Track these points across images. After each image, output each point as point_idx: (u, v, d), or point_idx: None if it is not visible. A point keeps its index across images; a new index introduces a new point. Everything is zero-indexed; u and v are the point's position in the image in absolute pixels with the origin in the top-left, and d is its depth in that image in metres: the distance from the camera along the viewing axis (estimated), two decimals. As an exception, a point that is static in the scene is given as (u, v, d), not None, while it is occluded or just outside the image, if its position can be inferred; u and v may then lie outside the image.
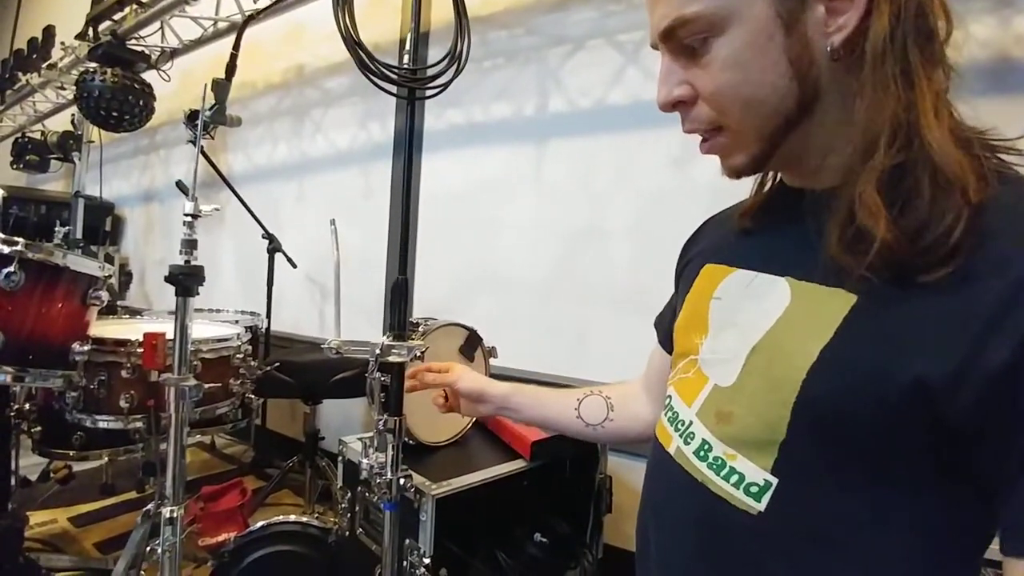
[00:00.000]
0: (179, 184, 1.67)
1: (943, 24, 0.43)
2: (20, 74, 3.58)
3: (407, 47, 0.98)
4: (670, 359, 0.66)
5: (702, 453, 0.50)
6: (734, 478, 0.47)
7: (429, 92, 0.97)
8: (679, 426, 0.54)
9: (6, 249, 1.03)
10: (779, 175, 0.56)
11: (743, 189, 0.62)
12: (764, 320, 0.48)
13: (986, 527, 0.41)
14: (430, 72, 0.96)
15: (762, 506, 0.45)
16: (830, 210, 0.44)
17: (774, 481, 0.44)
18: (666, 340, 0.72)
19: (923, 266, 0.38)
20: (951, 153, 0.39)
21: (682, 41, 0.46)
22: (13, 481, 1.47)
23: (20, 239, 1.04)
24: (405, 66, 0.93)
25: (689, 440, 0.52)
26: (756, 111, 0.46)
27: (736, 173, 0.51)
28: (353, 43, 0.90)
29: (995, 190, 0.39)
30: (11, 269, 1.02)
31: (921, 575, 0.42)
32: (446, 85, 0.96)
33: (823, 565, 0.43)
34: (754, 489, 0.45)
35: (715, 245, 0.62)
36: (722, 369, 0.51)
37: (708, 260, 0.60)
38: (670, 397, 0.58)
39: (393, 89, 0.96)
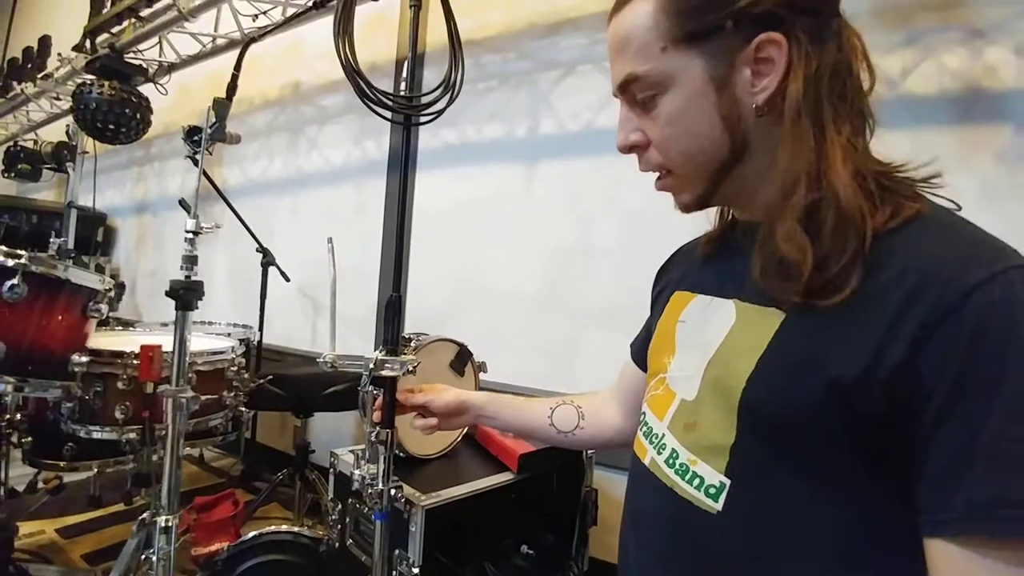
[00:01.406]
0: (182, 202, 1.71)
1: (867, 76, 0.51)
2: (15, 83, 3.60)
3: (404, 74, 1.03)
4: (640, 374, 0.73)
5: (670, 461, 0.56)
6: (696, 481, 0.52)
7: (424, 118, 1.02)
8: (653, 439, 0.59)
9: (10, 262, 1.06)
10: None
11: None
12: (716, 338, 0.54)
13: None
14: (425, 99, 1.01)
15: (719, 506, 0.50)
16: (755, 241, 0.51)
17: (727, 482, 0.50)
18: (637, 355, 0.79)
19: (831, 289, 0.45)
20: (852, 195, 0.45)
21: (635, 95, 0.54)
22: (2, 491, 1.47)
23: (24, 252, 1.07)
24: (401, 93, 0.98)
25: (661, 451, 0.57)
26: (695, 159, 0.54)
27: (685, 208, 0.59)
28: (353, 72, 0.95)
29: (902, 219, 0.45)
30: (14, 281, 1.05)
31: (864, 566, 0.45)
32: (440, 112, 1.01)
33: (777, 557, 0.47)
34: (712, 490, 0.50)
35: (683, 274, 0.69)
36: (686, 385, 0.57)
37: (676, 288, 0.67)
38: (644, 414, 0.64)
39: (390, 115, 1.01)
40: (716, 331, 0.55)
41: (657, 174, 0.58)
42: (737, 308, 0.54)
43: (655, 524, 0.57)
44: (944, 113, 1.28)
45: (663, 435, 0.58)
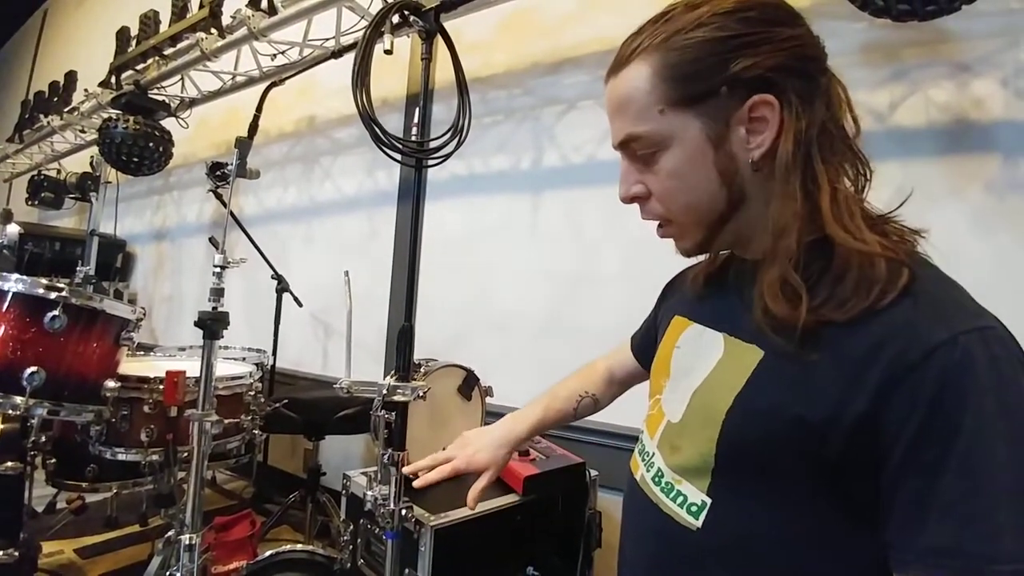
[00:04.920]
0: (211, 240, 1.80)
1: (852, 124, 0.55)
2: (41, 116, 3.76)
3: (415, 119, 1.12)
4: (634, 362, 0.88)
5: (657, 479, 0.61)
6: (680, 499, 0.57)
7: (433, 161, 1.09)
8: (645, 456, 0.65)
9: (52, 295, 1.14)
10: None
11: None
12: (704, 368, 0.59)
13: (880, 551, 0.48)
14: (434, 144, 1.08)
15: (699, 523, 0.54)
16: (754, 280, 0.54)
17: (709, 501, 0.54)
18: (637, 350, 0.90)
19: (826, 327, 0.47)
20: (857, 242, 0.48)
21: (635, 152, 0.57)
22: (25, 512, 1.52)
23: (64, 284, 1.15)
24: (413, 139, 1.06)
25: (650, 468, 0.63)
26: (694, 210, 0.57)
27: (686, 253, 0.62)
28: (369, 120, 1.03)
29: (899, 290, 0.46)
30: (56, 313, 1.13)
31: None
32: (448, 156, 1.09)
33: (748, 572, 0.52)
34: (694, 508, 0.55)
35: (684, 298, 0.73)
36: (674, 407, 0.62)
37: (676, 312, 0.71)
38: (641, 432, 0.69)
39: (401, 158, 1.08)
40: (706, 361, 0.59)
41: (658, 223, 0.61)
42: (726, 342, 0.58)
43: (642, 536, 0.63)
44: (933, 145, 1.32)
45: (653, 453, 0.63)
